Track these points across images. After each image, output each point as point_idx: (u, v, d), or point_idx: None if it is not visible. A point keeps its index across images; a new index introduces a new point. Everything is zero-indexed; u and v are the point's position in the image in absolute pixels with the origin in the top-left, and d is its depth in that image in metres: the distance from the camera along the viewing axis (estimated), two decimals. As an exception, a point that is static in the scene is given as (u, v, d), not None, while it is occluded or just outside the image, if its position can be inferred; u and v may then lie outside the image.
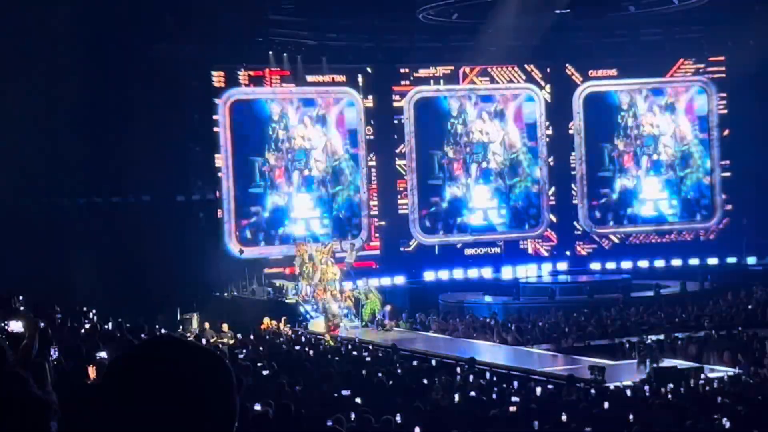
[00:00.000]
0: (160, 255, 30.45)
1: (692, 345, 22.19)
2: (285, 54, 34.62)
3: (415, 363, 19.78)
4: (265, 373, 15.76)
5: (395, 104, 36.83)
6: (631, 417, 13.18)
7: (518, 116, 38.12)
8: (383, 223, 36.52)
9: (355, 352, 21.23)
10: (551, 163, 38.31)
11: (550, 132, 38.26)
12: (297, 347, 21.22)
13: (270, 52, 34.52)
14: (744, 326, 24.40)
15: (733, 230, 37.76)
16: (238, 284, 32.31)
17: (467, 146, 37.74)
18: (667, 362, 19.72)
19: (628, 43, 37.40)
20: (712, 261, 36.43)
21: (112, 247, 29.39)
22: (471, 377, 17.44)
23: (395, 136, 36.93)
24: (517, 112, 38.11)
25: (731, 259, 36.50)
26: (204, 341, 20.95)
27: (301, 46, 34.74)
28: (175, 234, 31.45)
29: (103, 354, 9.89)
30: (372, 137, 36.41)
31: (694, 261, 36.47)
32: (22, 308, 12.82)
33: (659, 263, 36.79)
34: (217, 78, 34.56)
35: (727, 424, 12.63)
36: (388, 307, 28.84)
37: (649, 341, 22.52)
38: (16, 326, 6.49)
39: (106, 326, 16.61)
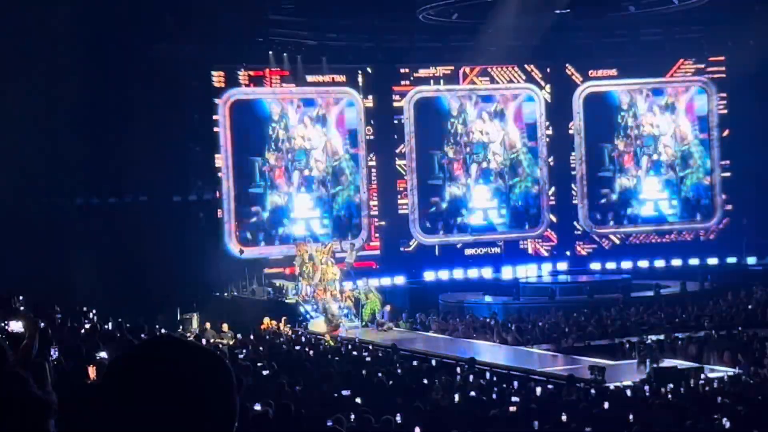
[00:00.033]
0: (160, 255, 30.46)
1: (692, 345, 22.19)
2: (285, 54, 34.62)
3: (415, 363, 19.78)
4: (265, 373, 15.76)
5: (395, 104, 36.83)
6: (631, 417, 13.18)
7: (518, 116, 38.12)
8: (383, 223, 36.52)
9: (355, 352, 21.23)
10: (551, 163, 38.31)
11: (550, 132, 38.26)
12: (297, 347, 21.22)
13: (270, 52, 34.52)
14: (744, 326, 24.40)
15: (733, 230, 37.77)
16: (238, 284, 32.31)
17: (467, 146, 37.74)
18: (667, 362, 19.72)
19: (628, 43, 37.41)
20: (712, 261, 36.44)
21: (112, 247, 29.40)
22: (471, 377, 17.44)
23: (395, 136, 36.93)
24: (517, 112, 38.11)
25: (731, 259, 36.51)
26: (205, 341, 20.96)
27: (301, 46, 34.74)
28: (175, 234, 31.45)
29: (103, 354, 9.89)
30: (372, 137, 36.42)
31: (694, 261, 36.48)
32: (22, 308, 12.82)
33: (659, 263, 36.80)
34: (217, 78, 34.56)
35: (727, 424, 12.63)
36: (387, 308, 28.86)
37: (649, 341, 22.52)
38: (16, 326, 6.49)
39: (106, 326, 16.61)
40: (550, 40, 35.65)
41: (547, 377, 18.36)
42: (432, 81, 37.25)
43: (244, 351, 19.85)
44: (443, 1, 33.19)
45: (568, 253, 37.85)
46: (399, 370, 17.89)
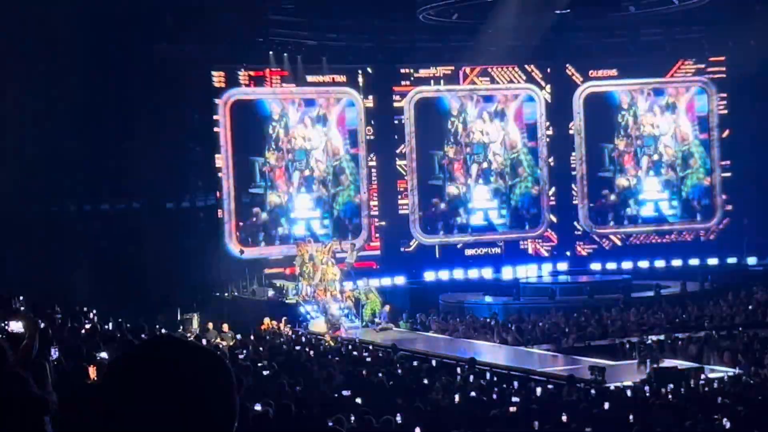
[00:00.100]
0: (161, 255, 30.48)
1: (692, 345, 22.20)
2: (285, 54, 34.62)
3: (415, 363, 19.78)
4: (265, 373, 15.76)
5: (395, 104, 36.82)
6: (631, 417, 13.18)
7: (518, 116, 38.12)
8: (383, 223, 36.52)
9: (355, 353, 21.24)
10: (551, 164, 38.30)
11: (550, 132, 38.26)
12: (297, 347, 21.22)
13: (270, 52, 34.52)
14: (744, 326, 24.41)
15: (733, 230, 37.76)
16: (238, 284, 32.32)
17: (467, 146, 37.73)
18: (667, 362, 19.72)
19: (629, 43, 37.41)
20: (713, 261, 36.43)
21: (112, 247, 29.42)
22: (471, 377, 17.45)
23: (395, 137, 36.93)
24: (517, 113, 38.11)
25: (731, 260, 36.50)
26: (207, 341, 20.97)
27: (301, 46, 34.73)
28: (175, 234, 31.48)
29: (103, 354, 9.89)
30: (372, 137, 36.41)
31: (694, 261, 36.47)
32: (22, 308, 12.83)
33: (659, 263, 36.79)
34: (218, 78, 34.55)
35: (728, 425, 12.63)
36: (387, 308, 28.86)
37: (649, 342, 22.54)
38: (16, 326, 6.49)
39: (106, 326, 16.61)
40: (550, 41, 35.66)
41: (547, 377, 18.37)
42: (432, 81, 37.25)
43: (245, 351, 19.85)
44: (443, 1, 33.18)
45: (568, 253, 37.85)
46: (399, 371, 17.89)
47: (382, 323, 27.83)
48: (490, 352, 22.64)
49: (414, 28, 35.41)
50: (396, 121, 36.83)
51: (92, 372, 7.41)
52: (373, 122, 36.36)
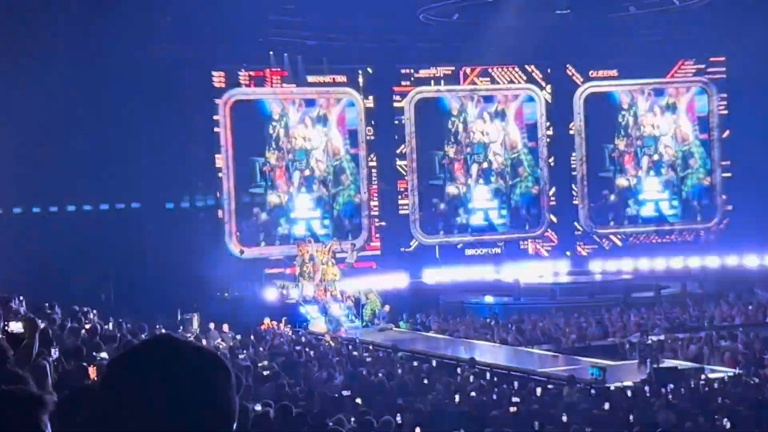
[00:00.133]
0: (161, 255, 30.51)
1: (693, 345, 22.19)
2: (285, 54, 34.62)
3: (415, 363, 19.77)
4: (265, 373, 15.76)
5: (396, 105, 36.83)
6: (631, 417, 13.18)
7: (519, 117, 38.13)
8: (383, 223, 36.52)
9: (355, 353, 21.24)
10: (552, 164, 38.31)
11: (550, 132, 38.26)
12: (297, 347, 21.22)
13: (270, 52, 34.52)
14: (744, 327, 24.40)
15: (733, 231, 37.74)
16: (238, 284, 32.31)
17: (468, 147, 37.73)
18: (667, 363, 19.71)
19: (629, 44, 37.38)
20: (713, 261, 36.42)
21: (112, 247, 29.40)
22: (471, 378, 17.45)
23: (396, 137, 36.93)
24: (517, 113, 38.11)
25: (732, 260, 36.49)
26: (210, 341, 20.98)
27: (301, 46, 34.73)
28: (175, 234, 31.48)
29: (103, 354, 9.89)
30: (372, 137, 36.42)
31: (694, 261, 36.46)
32: (22, 309, 12.83)
33: (660, 264, 36.78)
34: (218, 78, 34.57)
35: (728, 425, 12.63)
36: (386, 308, 28.85)
37: (649, 342, 22.52)
38: (15, 327, 6.49)
39: (106, 327, 16.60)
40: (550, 41, 35.63)
41: (547, 378, 18.36)
42: (432, 81, 37.25)
43: (245, 351, 19.86)
44: (443, 1, 33.18)
45: (568, 253, 37.85)
46: (399, 371, 17.90)
47: (381, 323, 27.84)
48: (491, 352, 22.63)
49: (414, 28, 35.39)
50: (396, 122, 36.84)
51: (92, 372, 7.41)
52: (373, 122, 36.37)
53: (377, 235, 36.50)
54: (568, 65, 38.04)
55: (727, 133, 38.68)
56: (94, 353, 10.42)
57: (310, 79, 35.46)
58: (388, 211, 36.66)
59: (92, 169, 30.24)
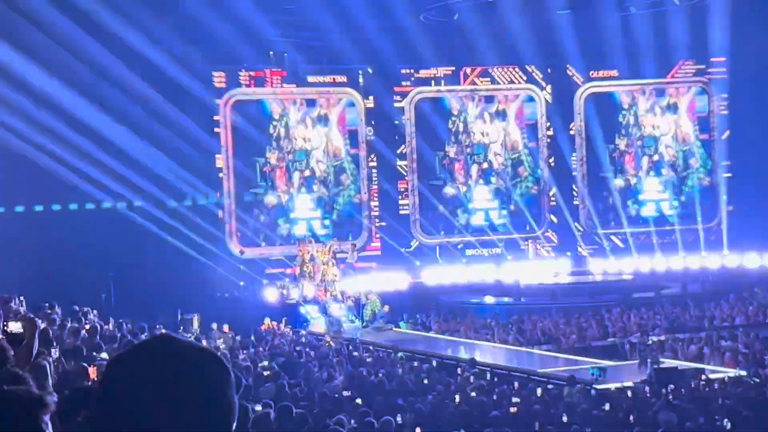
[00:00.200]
0: (161, 255, 30.52)
1: (693, 346, 22.18)
2: (286, 54, 34.61)
3: (415, 363, 19.77)
4: (265, 373, 15.75)
5: (396, 105, 36.85)
6: (631, 418, 13.17)
7: (519, 117, 38.13)
8: (383, 223, 36.53)
9: (355, 353, 21.23)
10: (552, 164, 38.31)
11: (551, 133, 38.27)
12: (297, 348, 21.21)
13: (270, 52, 34.52)
14: (745, 327, 24.39)
15: (734, 231, 37.73)
16: (238, 285, 32.31)
17: (468, 147, 37.74)
18: (667, 363, 19.69)
19: (629, 44, 37.36)
20: (713, 262, 36.41)
21: (113, 247, 29.40)
22: (472, 378, 17.44)
23: (396, 137, 36.94)
24: (518, 113, 38.12)
25: (732, 260, 36.47)
26: (211, 341, 21.00)
27: (301, 46, 34.72)
28: (175, 235, 31.50)
29: (103, 355, 9.89)
30: (373, 138, 36.42)
31: (695, 262, 36.46)
32: (22, 308, 12.83)
33: (660, 264, 36.76)
34: (218, 78, 34.58)
35: (728, 425, 12.62)
36: (386, 308, 28.85)
37: (649, 342, 22.51)
38: (15, 327, 6.48)
39: (106, 327, 16.61)
40: (550, 41, 35.63)
41: (547, 378, 18.35)
42: (433, 82, 37.26)
43: (245, 351, 19.85)
44: (444, 1, 33.18)
45: (569, 253, 37.84)
46: (399, 371, 17.89)
47: (379, 323, 27.84)
48: (491, 353, 22.62)
49: (414, 28, 35.38)
50: (396, 122, 36.84)
51: (92, 372, 7.40)
52: (373, 122, 36.37)
53: (377, 236, 36.49)
54: (568, 65, 38.04)
55: (727, 133, 38.68)
56: (94, 353, 10.42)
57: (310, 79, 35.47)
58: (389, 212, 36.65)
59: (92, 169, 30.25)
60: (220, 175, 34.67)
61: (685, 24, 36.51)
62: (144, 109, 30.37)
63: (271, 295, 30.31)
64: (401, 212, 36.93)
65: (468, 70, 37.36)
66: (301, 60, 34.75)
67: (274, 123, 35.51)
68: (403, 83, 36.91)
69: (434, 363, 20.24)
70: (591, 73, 38.20)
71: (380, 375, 16.51)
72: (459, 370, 18.64)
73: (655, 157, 38.95)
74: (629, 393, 15.92)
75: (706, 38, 37.22)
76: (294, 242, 33.45)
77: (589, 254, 38.08)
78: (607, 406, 13.95)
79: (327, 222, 35.89)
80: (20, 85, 27.24)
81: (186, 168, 33.11)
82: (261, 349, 20.93)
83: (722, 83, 38.41)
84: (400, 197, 37.00)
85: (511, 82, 37.94)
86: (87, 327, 13.77)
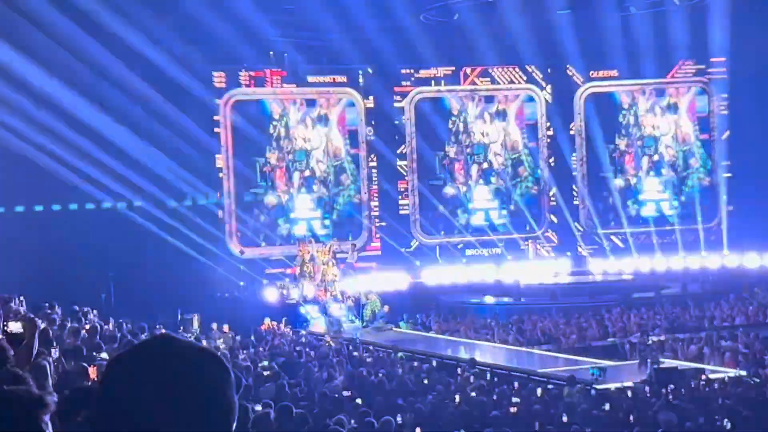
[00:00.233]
0: (162, 256, 30.52)
1: (693, 346, 22.18)
2: (285, 54, 34.61)
3: (415, 363, 19.76)
4: (265, 373, 15.75)
5: (396, 105, 36.85)
6: (631, 418, 13.17)
7: (519, 117, 38.14)
8: (383, 223, 36.53)
9: (355, 353, 21.23)
10: (552, 164, 38.31)
11: (551, 133, 38.27)
12: (298, 348, 21.21)
13: (270, 52, 34.52)
14: (745, 327, 24.39)
15: (734, 231, 37.73)
16: (238, 285, 32.31)
17: (468, 147, 37.74)
18: (667, 363, 19.69)
19: (629, 44, 37.37)
20: (713, 262, 36.42)
21: (113, 248, 29.40)
22: (472, 378, 17.43)
23: (396, 137, 36.94)
24: (518, 113, 38.13)
25: (732, 260, 36.48)
26: (211, 341, 21.00)
27: (301, 46, 34.72)
28: (175, 235, 31.51)
29: (103, 355, 9.89)
30: (373, 138, 36.43)
31: (695, 262, 36.46)
32: (22, 308, 12.82)
33: (660, 264, 36.76)
34: (218, 78, 34.58)
35: (728, 425, 12.62)
36: (385, 308, 28.84)
37: (650, 342, 22.51)
38: (14, 327, 6.48)
39: (106, 327, 16.61)
40: (550, 41, 35.63)
41: (547, 378, 18.35)
42: (433, 82, 37.26)
43: (245, 351, 19.85)
44: (444, 1, 33.17)
45: (569, 253, 37.85)
46: (399, 371, 17.89)
47: (378, 323, 27.84)
48: (491, 353, 22.62)
49: (414, 28, 35.38)
50: (396, 122, 36.84)
51: (92, 372, 7.40)
52: (373, 122, 36.38)
53: (377, 236, 36.50)
54: (568, 65, 38.04)
55: (727, 133, 38.68)
56: (94, 353, 10.42)
57: (310, 79, 35.47)
58: (389, 212, 36.65)
59: (93, 169, 30.26)
60: (220, 175, 34.68)
61: (685, 24, 36.52)
62: (144, 109, 30.37)
63: (271, 295, 30.32)
64: (401, 212, 36.94)
65: (468, 70, 37.36)
66: (301, 60, 34.75)
67: (274, 123, 35.52)
68: (403, 83, 36.91)
69: (434, 363, 20.23)
70: (591, 73, 38.20)
71: (380, 375, 16.51)
72: (459, 370, 18.64)
73: (655, 157, 38.95)
74: (629, 393, 15.92)
75: (706, 38, 37.22)
76: (294, 242, 33.45)
77: (589, 254, 38.08)
78: (607, 406, 13.95)
79: (327, 222, 35.89)
80: (20, 85, 27.26)
81: (186, 168, 33.12)
82: (261, 349, 20.93)
83: (722, 83, 38.41)
84: (400, 197, 37.02)
85: (511, 82, 37.95)
86: (87, 327, 13.77)
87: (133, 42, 29.48)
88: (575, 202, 38.50)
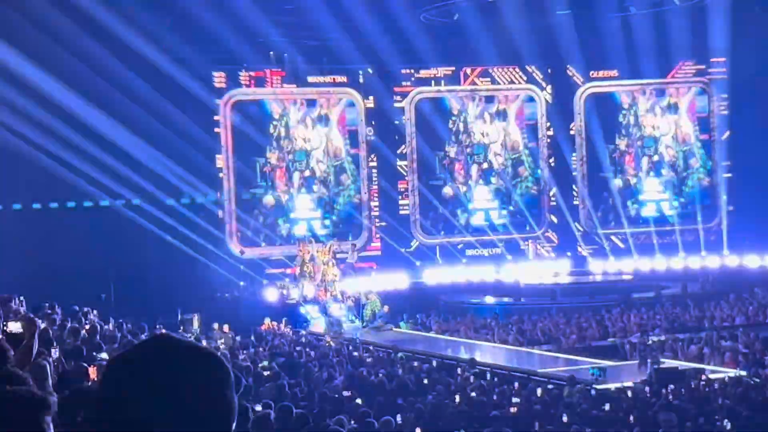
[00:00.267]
0: (162, 256, 30.51)
1: (693, 346, 22.17)
2: (285, 54, 34.61)
3: (415, 364, 19.76)
4: (265, 374, 15.75)
5: (396, 105, 36.85)
6: (631, 418, 13.17)
7: (519, 117, 38.14)
8: (384, 223, 36.53)
9: (355, 353, 21.23)
10: (552, 164, 38.31)
11: (551, 133, 38.28)
12: (298, 348, 21.21)
13: (271, 53, 34.53)
14: (745, 327, 24.38)
15: (734, 231, 37.73)
16: (238, 285, 32.31)
17: (468, 147, 37.75)
18: (668, 363, 19.69)
19: (629, 44, 37.35)
20: (714, 262, 36.42)
21: (113, 248, 29.41)
22: (472, 378, 17.43)
23: (396, 137, 36.94)
24: (518, 113, 38.13)
25: (732, 260, 36.48)
26: (212, 342, 20.99)
27: (301, 46, 34.73)
28: (176, 235, 31.51)
29: (103, 355, 9.89)
30: (373, 138, 36.43)
31: (695, 262, 36.46)
32: (22, 309, 12.82)
33: (660, 264, 36.77)
34: (218, 78, 34.58)
35: (728, 426, 12.62)
36: (385, 308, 28.84)
37: (650, 342, 22.50)
38: (14, 327, 6.47)
39: (106, 327, 16.61)
40: (551, 41, 35.63)
41: (547, 378, 18.35)
42: (433, 82, 37.26)
43: (245, 352, 19.85)
44: (444, 2, 33.17)
45: (569, 253, 37.85)
46: (400, 371, 17.89)
47: (377, 322, 27.83)
48: (491, 353, 22.61)
49: (414, 29, 35.37)
50: (396, 122, 36.84)
51: (92, 373, 7.40)
52: (373, 122, 36.38)
53: (377, 236, 36.50)
54: (568, 66, 38.04)
55: (727, 133, 38.67)
56: (94, 353, 10.41)
57: (311, 79, 35.47)
58: (389, 212, 36.65)
59: (93, 168, 30.28)
60: (220, 175, 34.68)
61: (685, 24, 36.51)
62: (144, 109, 30.35)
63: (271, 295, 30.32)
64: (401, 212, 36.94)
65: (468, 71, 37.37)
66: (301, 60, 34.75)
67: (275, 123, 35.52)
68: (404, 83, 36.91)
69: (434, 363, 20.22)
70: (591, 73, 38.21)
71: (380, 375, 16.51)
72: (459, 371, 18.64)
73: (655, 158, 38.95)
74: (629, 393, 15.91)
75: (706, 38, 37.22)
76: (294, 242, 33.44)
77: (589, 254, 38.09)
78: (607, 407, 13.95)
79: (327, 222, 35.89)
80: (19, 84, 27.25)
81: (186, 168, 33.13)
82: (261, 349, 20.92)
83: (722, 83, 38.41)
84: (400, 197, 37.02)
85: (512, 82, 37.95)
86: (87, 327, 13.77)
87: (133, 42, 29.48)
88: (575, 202, 38.51)
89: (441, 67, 37.01)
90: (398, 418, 11.55)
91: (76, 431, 4.28)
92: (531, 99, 38.14)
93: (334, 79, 35.90)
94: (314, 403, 13.21)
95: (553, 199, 38.31)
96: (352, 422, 10.96)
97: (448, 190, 37.48)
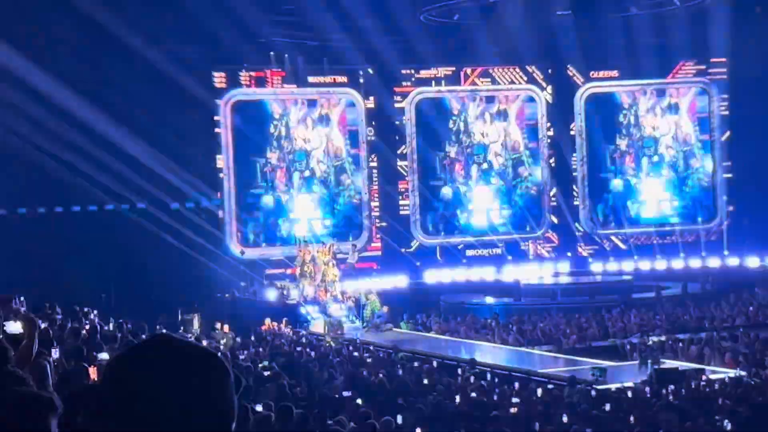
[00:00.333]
0: (162, 256, 30.51)
1: (693, 346, 22.17)
2: (286, 54, 34.61)
3: (416, 364, 19.75)
4: (266, 374, 15.74)
5: (396, 105, 36.85)
6: (632, 418, 13.17)
7: (520, 117, 38.13)
8: (384, 223, 36.53)
9: (356, 353, 21.22)
10: (552, 164, 38.30)
11: (551, 133, 38.27)
12: (298, 348, 21.21)
13: (271, 53, 34.53)
14: (745, 327, 24.38)
15: (734, 232, 37.73)
16: (239, 285, 32.32)
17: (468, 147, 37.74)
18: (668, 363, 19.68)
19: (629, 44, 37.37)
20: (714, 262, 36.41)
21: (114, 248, 29.42)
22: (472, 378, 17.43)
23: (396, 137, 36.94)
24: (518, 114, 38.12)
25: (733, 261, 36.48)
26: (213, 342, 20.99)
27: (302, 46, 34.73)
28: (176, 235, 31.51)
29: (104, 355, 9.88)
30: (373, 138, 36.43)
31: (695, 262, 36.45)
32: (22, 309, 12.82)
33: (660, 264, 36.77)
34: (218, 79, 34.58)
35: (728, 426, 12.61)
36: (385, 309, 28.84)
37: (650, 342, 22.50)
38: (14, 327, 6.47)
39: (107, 327, 16.60)
40: (551, 41, 35.64)
41: (548, 378, 18.34)
42: (433, 82, 37.25)
43: (245, 352, 19.85)
44: (445, 2, 33.18)
45: (569, 254, 37.84)
46: (400, 371, 17.88)
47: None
48: (491, 353, 22.61)
49: (415, 29, 35.38)
50: (397, 122, 36.84)
51: (92, 372, 7.39)
52: (374, 123, 36.38)
53: (378, 236, 36.49)
54: (568, 66, 38.04)
55: (727, 134, 38.66)
56: (95, 353, 10.40)
57: (311, 79, 35.47)
58: (389, 212, 36.65)
59: (94, 170, 30.29)
60: (220, 175, 34.67)
61: (685, 24, 36.51)
62: (144, 109, 30.36)
63: (271, 295, 30.32)
64: (401, 212, 36.92)
65: (468, 71, 37.36)
66: (301, 60, 34.75)
67: (275, 123, 35.52)
68: (404, 83, 36.90)
69: (435, 363, 20.22)
70: (591, 73, 38.20)
71: (380, 375, 16.50)
72: (459, 371, 18.63)
73: (655, 158, 38.94)
74: (630, 393, 15.91)
75: (706, 39, 37.23)
76: (295, 243, 33.43)
77: (589, 255, 38.08)
78: (607, 407, 13.94)
79: (327, 222, 35.88)
80: (21, 86, 27.25)
81: (186, 168, 33.13)
82: (261, 349, 20.92)
83: (723, 84, 38.41)
84: (400, 197, 37.01)
85: (512, 82, 37.95)
86: (87, 327, 13.77)
87: (133, 42, 29.49)
88: (575, 203, 38.50)
89: (441, 68, 37.01)
90: (398, 418, 11.55)
91: (76, 431, 4.27)
92: (531, 99, 38.13)
93: (334, 79, 35.89)
94: (314, 403, 13.21)
95: (553, 199, 38.30)
96: (352, 423, 10.95)
97: (449, 190, 37.47)
